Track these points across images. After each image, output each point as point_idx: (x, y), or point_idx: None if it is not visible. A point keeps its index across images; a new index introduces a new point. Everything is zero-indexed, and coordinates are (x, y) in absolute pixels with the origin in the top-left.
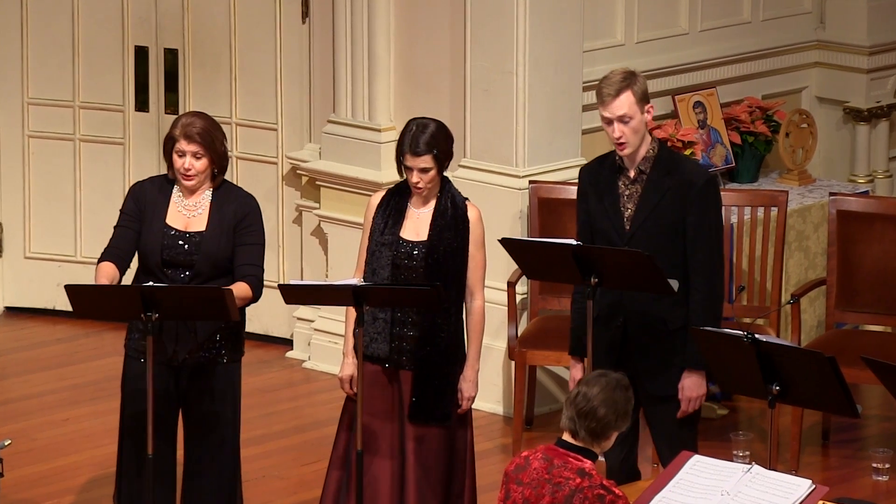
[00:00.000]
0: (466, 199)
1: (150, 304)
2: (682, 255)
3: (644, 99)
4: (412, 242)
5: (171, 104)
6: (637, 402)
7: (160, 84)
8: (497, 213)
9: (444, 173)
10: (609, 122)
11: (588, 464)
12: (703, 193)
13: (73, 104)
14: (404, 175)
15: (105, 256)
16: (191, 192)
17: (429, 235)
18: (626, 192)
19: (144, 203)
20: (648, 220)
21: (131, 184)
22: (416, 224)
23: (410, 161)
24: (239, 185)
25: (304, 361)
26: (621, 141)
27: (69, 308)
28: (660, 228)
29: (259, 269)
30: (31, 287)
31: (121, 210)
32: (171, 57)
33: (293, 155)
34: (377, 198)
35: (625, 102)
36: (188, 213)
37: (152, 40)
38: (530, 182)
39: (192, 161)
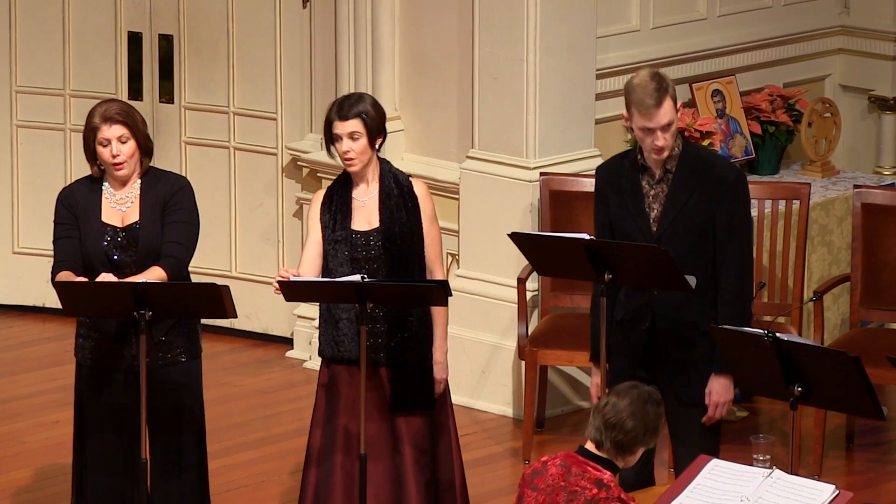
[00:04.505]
0: (410, 175)
1: (142, 301)
2: (711, 255)
3: (676, 101)
4: (365, 232)
5: (166, 92)
6: None
7: (154, 71)
8: (507, 206)
9: (382, 155)
10: (650, 131)
11: (607, 475)
12: (733, 190)
13: (63, 92)
14: (334, 154)
15: (60, 268)
16: (122, 183)
17: (380, 220)
18: (652, 193)
19: (76, 208)
20: (676, 221)
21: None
22: (365, 212)
23: (338, 127)
24: (237, 177)
25: (305, 361)
26: (663, 148)
27: (59, 305)
28: (688, 228)
29: (181, 248)
30: (20, 284)
31: (55, 222)
32: (166, 43)
33: (294, 146)
34: (319, 196)
35: (668, 110)
36: (121, 206)
37: (146, 26)
38: (541, 174)
39: (118, 147)
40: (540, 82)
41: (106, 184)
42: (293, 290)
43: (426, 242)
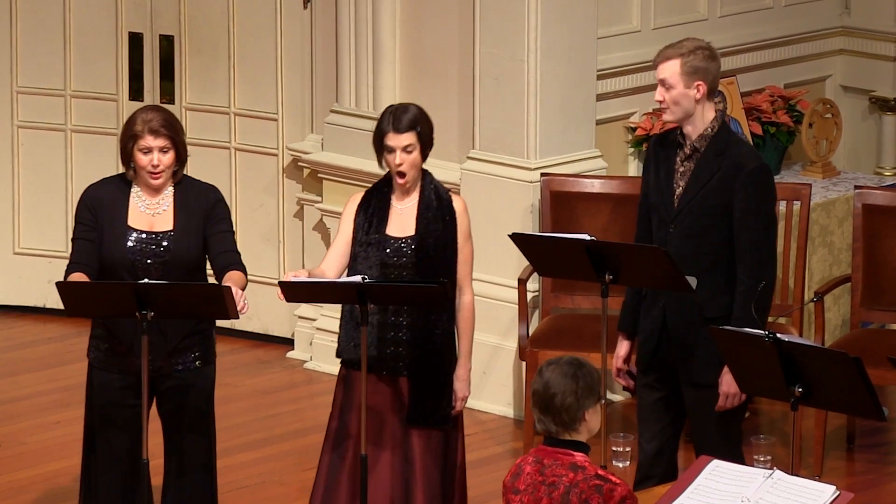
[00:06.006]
0: (449, 189)
1: (144, 301)
2: (726, 240)
3: (694, 73)
4: (400, 239)
5: (167, 93)
6: (678, 390)
7: (155, 72)
8: (507, 207)
9: (425, 166)
10: (657, 85)
11: (579, 456)
12: (751, 179)
13: (64, 93)
14: (384, 164)
15: (73, 269)
16: (156, 190)
17: (416, 229)
18: (681, 169)
19: (101, 208)
20: (695, 200)
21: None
22: (402, 220)
23: (393, 140)
24: (237, 178)
25: (305, 362)
26: (661, 106)
27: (60, 306)
28: (705, 209)
29: (239, 255)
30: (21, 284)
31: (76, 219)
32: (167, 43)
33: (294, 146)
34: (356, 199)
35: (668, 68)
36: (151, 211)
37: (147, 26)
38: (542, 175)
39: (159, 157)
40: (541, 83)
41: (136, 187)
42: (294, 291)
43: (459, 259)
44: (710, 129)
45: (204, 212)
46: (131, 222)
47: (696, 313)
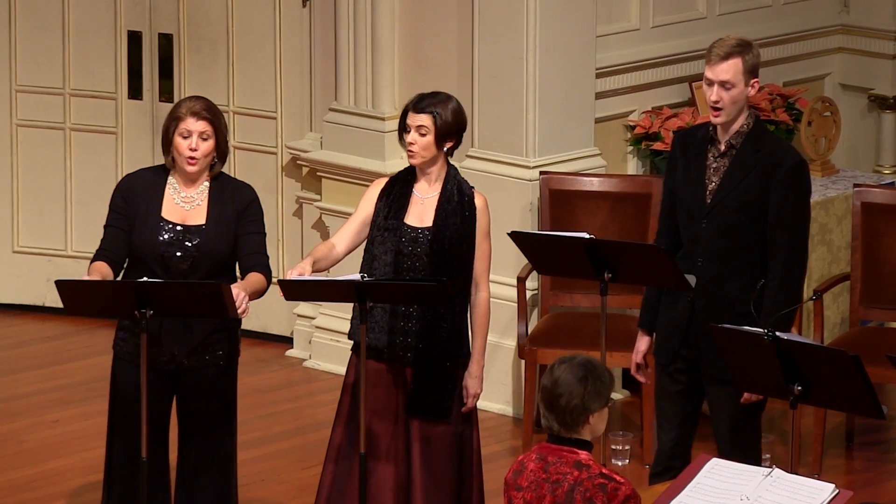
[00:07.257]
0: (472, 187)
1: (143, 300)
2: (760, 237)
3: (752, 72)
4: (417, 228)
5: (166, 91)
6: (700, 384)
7: (154, 70)
8: (506, 205)
9: (452, 162)
10: (710, 83)
11: (584, 454)
12: (790, 176)
13: (63, 91)
14: (405, 145)
15: (98, 257)
16: (191, 181)
17: (434, 221)
18: (714, 165)
19: (136, 197)
20: (730, 197)
21: (123, 175)
22: (421, 210)
23: (410, 118)
24: (236, 175)
25: (304, 360)
26: (718, 106)
27: (59, 304)
28: (740, 206)
29: (267, 258)
30: (20, 282)
31: (110, 207)
32: (166, 42)
33: (293, 144)
34: (380, 183)
35: (730, 68)
36: (185, 204)
37: (146, 24)
38: (541, 173)
39: (198, 142)
40: (539, 81)
41: (172, 178)
42: (293, 290)
43: (476, 255)
44: (745, 126)
45: (237, 210)
46: (164, 214)
47: (728, 309)
